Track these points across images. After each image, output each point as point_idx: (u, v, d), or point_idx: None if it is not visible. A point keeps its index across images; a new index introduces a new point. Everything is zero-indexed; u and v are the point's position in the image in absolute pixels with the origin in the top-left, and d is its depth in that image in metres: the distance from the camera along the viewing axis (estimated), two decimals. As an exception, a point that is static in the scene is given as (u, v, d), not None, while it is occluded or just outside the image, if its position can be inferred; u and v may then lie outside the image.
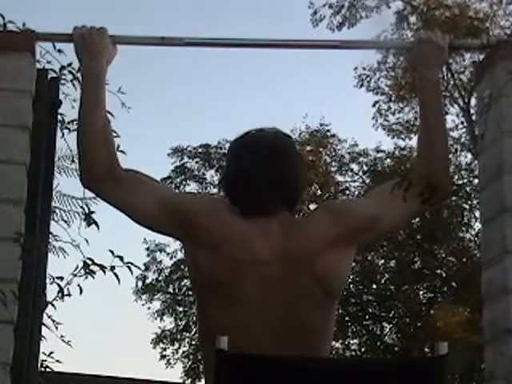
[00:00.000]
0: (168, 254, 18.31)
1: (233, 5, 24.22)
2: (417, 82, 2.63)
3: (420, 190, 2.26)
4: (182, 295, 18.33)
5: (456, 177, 17.09)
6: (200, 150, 18.31)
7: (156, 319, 18.45)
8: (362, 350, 17.33)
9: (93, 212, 2.63)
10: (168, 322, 18.53)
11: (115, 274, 2.41)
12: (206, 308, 2.40)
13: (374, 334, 17.41)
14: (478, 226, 16.70)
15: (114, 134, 2.54)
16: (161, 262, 18.45)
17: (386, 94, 18.70)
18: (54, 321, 2.74)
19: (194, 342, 18.01)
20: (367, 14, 17.94)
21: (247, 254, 2.33)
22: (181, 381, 17.89)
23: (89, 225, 2.60)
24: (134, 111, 2.75)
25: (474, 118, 16.51)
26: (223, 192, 2.51)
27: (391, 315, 17.45)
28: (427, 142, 2.54)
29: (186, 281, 17.79)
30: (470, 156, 17.89)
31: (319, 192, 17.28)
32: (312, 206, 14.79)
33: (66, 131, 2.70)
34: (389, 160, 18.20)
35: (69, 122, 2.69)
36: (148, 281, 18.32)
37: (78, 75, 2.68)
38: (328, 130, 18.55)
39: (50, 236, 2.62)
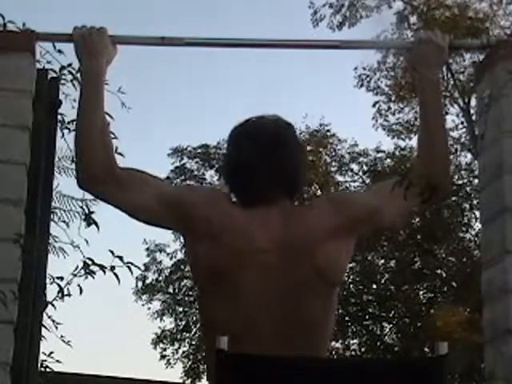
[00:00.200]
0: (168, 254, 18.32)
1: (233, 5, 24.19)
2: (417, 82, 2.64)
3: (420, 190, 2.26)
4: (182, 295, 18.32)
5: (456, 177, 17.08)
6: (200, 151, 18.31)
7: (156, 319, 18.48)
8: (362, 350, 17.32)
9: (93, 212, 2.63)
10: (168, 322, 18.56)
11: (115, 274, 2.41)
12: (208, 299, 2.40)
13: (374, 334, 17.40)
14: (478, 226, 16.70)
15: (112, 136, 2.54)
16: (161, 262, 18.46)
17: (385, 94, 18.70)
18: (53, 321, 2.73)
19: (194, 342, 18.02)
20: (367, 13, 17.97)
21: (248, 243, 2.33)
22: (181, 381, 17.89)
23: (89, 225, 2.60)
24: (133, 111, 2.76)
25: (474, 117, 16.50)
26: (223, 180, 2.51)
27: (391, 315, 17.44)
28: (427, 141, 2.54)
29: (186, 281, 17.80)
30: (469, 156, 17.91)
31: (319, 192, 17.26)
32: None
33: (66, 131, 2.70)
34: (389, 160, 18.20)
35: (69, 122, 2.69)
36: (148, 281, 18.33)
37: (78, 75, 2.68)
38: (328, 130, 18.55)
39: (50, 236, 2.62)
